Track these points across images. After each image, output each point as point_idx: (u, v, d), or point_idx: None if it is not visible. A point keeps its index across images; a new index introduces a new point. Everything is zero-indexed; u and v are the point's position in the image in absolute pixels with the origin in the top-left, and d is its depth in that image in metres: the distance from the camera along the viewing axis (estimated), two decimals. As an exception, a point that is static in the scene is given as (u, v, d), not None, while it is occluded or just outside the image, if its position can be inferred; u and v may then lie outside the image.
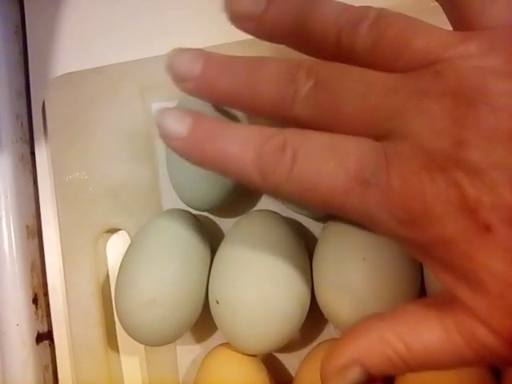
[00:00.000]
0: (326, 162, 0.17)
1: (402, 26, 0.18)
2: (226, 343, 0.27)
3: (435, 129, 0.16)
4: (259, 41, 0.28)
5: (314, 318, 0.27)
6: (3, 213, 0.31)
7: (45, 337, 0.32)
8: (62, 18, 0.33)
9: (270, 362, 0.29)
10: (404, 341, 0.17)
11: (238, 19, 0.20)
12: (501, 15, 0.18)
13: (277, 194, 0.18)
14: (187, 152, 0.19)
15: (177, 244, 0.26)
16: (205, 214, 0.30)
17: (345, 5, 0.19)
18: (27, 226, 0.32)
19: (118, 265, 0.27)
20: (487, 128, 0.16)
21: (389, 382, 0.26)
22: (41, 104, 0.32)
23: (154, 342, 0.26)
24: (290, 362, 0.29)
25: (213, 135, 0.18)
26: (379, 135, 0.17)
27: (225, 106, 0.22)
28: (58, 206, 0.30)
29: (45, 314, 0.32)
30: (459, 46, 0.17)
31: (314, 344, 0.28)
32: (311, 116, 0.18)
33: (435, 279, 0.20)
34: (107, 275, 0.31)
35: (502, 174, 0.15)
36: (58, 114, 0.31)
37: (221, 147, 0.18)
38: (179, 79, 0.20)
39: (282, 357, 0.30)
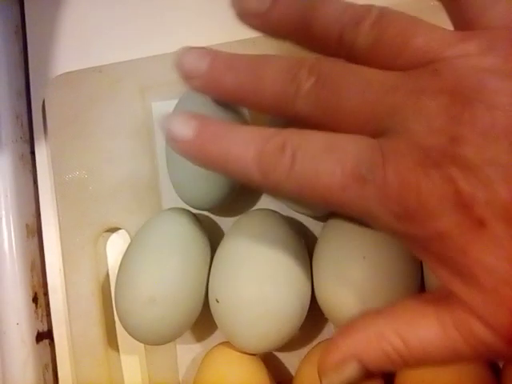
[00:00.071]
0: (324, 160, 0.17)
1: (403, 25, 0.18)
2: (226, 342, 0.27)
3: (431, 126, 0.16)
4: (259, 40, 0.28)
5: (314, 317, 0.27)
6: (3, 212, 0.31)
7: (45, 336, 0.32)
8: (62, 17, 0.33)
9: (269, 361, 0.29)
10: (401, 336, 0.17)
11: (245, 16, 0.20)
12: (502, 15, 0.18)
13: (277, 192, 0.19)
14: (193, 153, 0.19)
15: (177, 243, 0.26)
16: (205, 213, 0.30)
17: (348, 3, 0.19)
18: (27, 225, 0.32)
19: (118, 264, 0.27)
20: (483, 125, 0.16)
21: (389, 380, 0.26)
22: (41, 103, 0.32)
23: (154, 341, 0.26)
24: (290, 360, 0.29)
25: (217, 137, 0.19)
26: (377, 132, 0.18)
27: (230, 102, 0.23)
28: (57, 205, 0.30)
29: (45, 313, 0.32)
30: (459, 45, 0.17)
31: (314, 343, 0.28)
32: (312, 112, 0.19)
33: (434, 277, 0.20)
34: (107, 274, 0.31)
35: (496, 170, 0.16)
36: (57, 114, 0.31)
37: (224, 148, 0.19)
38: (187, 76, 0.21)
39: (282, 356, 0.30)
